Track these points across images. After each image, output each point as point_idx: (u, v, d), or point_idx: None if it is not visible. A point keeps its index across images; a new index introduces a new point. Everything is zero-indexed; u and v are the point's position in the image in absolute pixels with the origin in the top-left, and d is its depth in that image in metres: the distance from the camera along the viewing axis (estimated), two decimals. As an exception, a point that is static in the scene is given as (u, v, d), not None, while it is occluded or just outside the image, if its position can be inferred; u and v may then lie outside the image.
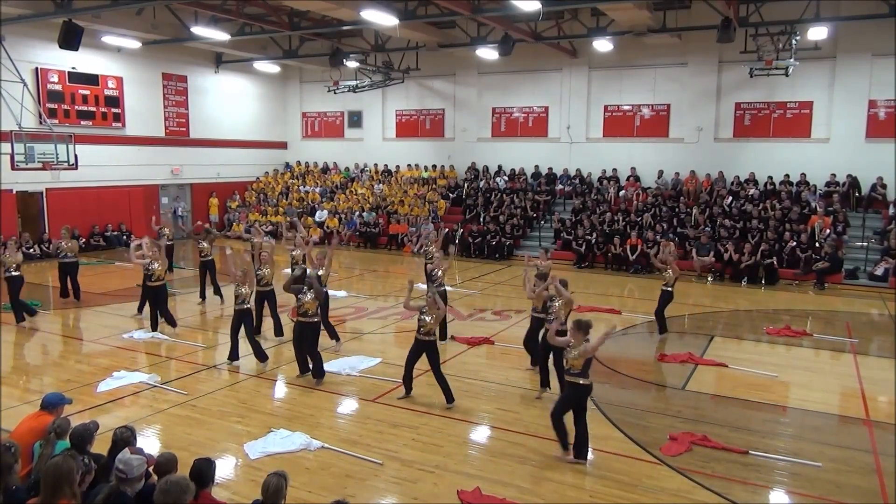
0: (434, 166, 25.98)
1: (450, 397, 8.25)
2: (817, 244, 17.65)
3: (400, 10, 17.46)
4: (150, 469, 4.66)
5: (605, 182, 22.64)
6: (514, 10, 16.16)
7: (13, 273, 12.27)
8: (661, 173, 22.14)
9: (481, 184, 24.45)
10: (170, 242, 16.26)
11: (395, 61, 24.48)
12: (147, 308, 11.91)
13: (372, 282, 17.77)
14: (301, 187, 27.16)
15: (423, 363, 8.33)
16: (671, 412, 8.21)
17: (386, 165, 27.00)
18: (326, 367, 9.57)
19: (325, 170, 28.41)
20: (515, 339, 11.21)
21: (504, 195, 23.16)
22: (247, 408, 8.19)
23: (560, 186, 23.31)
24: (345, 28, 19.90)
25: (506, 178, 24.35)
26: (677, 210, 20.46)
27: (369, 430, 7.57)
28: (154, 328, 11.51)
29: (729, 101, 21.43)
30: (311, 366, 9.14)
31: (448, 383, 8.29)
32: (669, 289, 11.21)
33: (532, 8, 15.08)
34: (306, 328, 9.05)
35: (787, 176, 20.34)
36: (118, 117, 22.41)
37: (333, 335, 10.66)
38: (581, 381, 6.72)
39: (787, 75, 18.46)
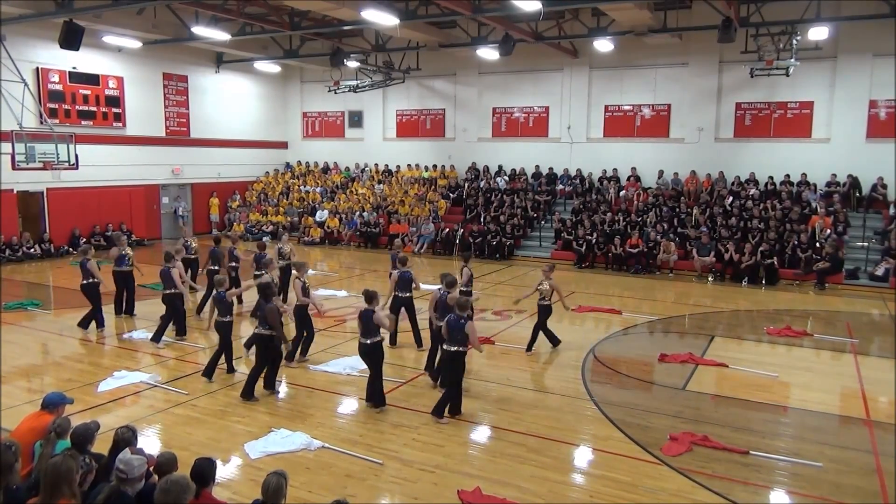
0: (434, 166, 25.97)
1: (381, 401, 8.11)
2: (818, 244, 17.63)
3: (400, 10, 17.46)
4: (151, 469, 4.66)
5: (605, 182, 22.63)
6: (514, 10, 16.16)
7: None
8: (661, 173, 22.13)
9: (482, 184, 24.44)
10: (194, 256, 14.10)
11: (395, 61, 24.47)
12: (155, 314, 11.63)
13: (372, 282, 17.72)
14: (301, 187, 27.15)
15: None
16: (671, 412, 8.20)
17: (386, 165, 27.01)
18: (326, 367, 9.68)
19: (326, 170, 28.41)
20: (516, 339, 11.25)
21: (504, 195, 23.15)
22: (247, 408, 8.19)
23: (560, 186, 23.31)
24: (345, 28, 19.89)
25: (506, 178, 24.34)
26: (678, 210, 20.45)
27: (369, 430, 7.57)
28: (180, 334, 11.25)
29: (729, 101, 21.42)
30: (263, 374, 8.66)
31: (383, 388, 8.19)
32: (547, 302, 10.60)
33: (533, 8, 15.07)
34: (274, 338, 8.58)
35: (788, 176, 20.33)
36: (119, 117, 22.42)
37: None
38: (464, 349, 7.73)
39: (787, 75, 18.46)
